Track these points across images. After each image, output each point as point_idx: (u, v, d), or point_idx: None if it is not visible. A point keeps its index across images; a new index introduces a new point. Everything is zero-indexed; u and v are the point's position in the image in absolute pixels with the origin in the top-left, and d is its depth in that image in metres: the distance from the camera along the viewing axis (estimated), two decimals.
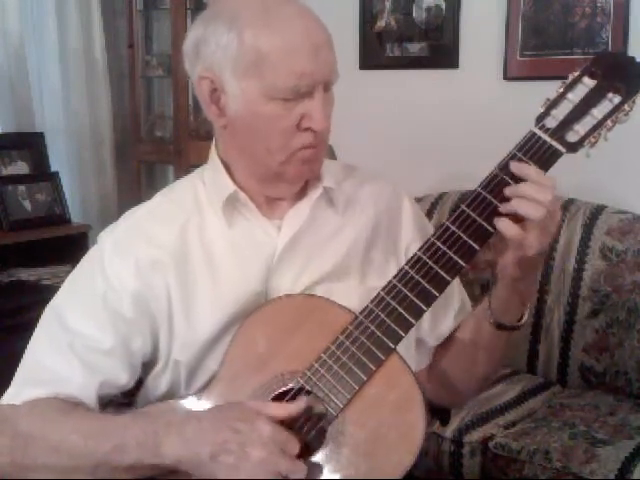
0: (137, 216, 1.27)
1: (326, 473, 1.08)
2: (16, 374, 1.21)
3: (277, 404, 1.09)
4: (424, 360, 1.33)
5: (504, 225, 1.05)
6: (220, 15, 1.14)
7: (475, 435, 2.10)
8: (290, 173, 1.20)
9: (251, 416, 1.06)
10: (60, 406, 1.16)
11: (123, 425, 1.12)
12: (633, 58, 1.08)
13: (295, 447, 1.05)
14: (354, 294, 1.21)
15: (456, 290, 1.33)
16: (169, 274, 1.20)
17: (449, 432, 2.10)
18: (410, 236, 1.30)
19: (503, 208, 1.06)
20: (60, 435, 1.13)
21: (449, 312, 1.31)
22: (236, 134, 1.19)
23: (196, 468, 1.06)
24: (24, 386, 1.19)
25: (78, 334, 1.19)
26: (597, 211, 2.45)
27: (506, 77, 2.77)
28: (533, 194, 1.03)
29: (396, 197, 1.34)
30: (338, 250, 1.25)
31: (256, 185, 1.22)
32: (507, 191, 1.06)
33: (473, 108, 2.82)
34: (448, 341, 1.32)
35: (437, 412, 1.46)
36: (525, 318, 1.20)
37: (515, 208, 1.04)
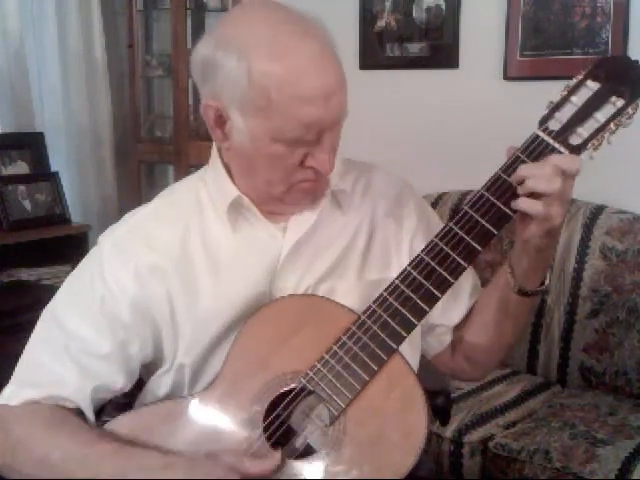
0: (137, 218, 1.27)
1: (328, 473, 1.08)
2: (13, 374, 1.22)
3: (252, 462, 1.07)
4: (444, 340, 1.34)
5: (528, 204, 1.05)
6: (231, 41, 1.10)
7: (475, 435, 2.10)
8: (290, 200, 1.20)
9: (225, 474, 1.05)
10: (51, 417, 1.16)
11: (101, 456, 1.11)
12: (637, 61, 1.08)
13: None
14: (355, 290, 1.22)
15: (468, 271, 1.32)
16: (170, 278, 1.20)
17: (449, 432, 2.11)
18: (414, 227, 1.30)
19: (521, 189, 1.06)
20: (44, 450, 1.13)
21: (463, 293, 1.32)
22: (238, 158, 1.19)
23: None
24: (20, 387, 1.20)
25: (75, 337, 1.19)
26: (597, 211, 2.45)
27: (506, 77, 2.77)
28: (544, 173, 1.04)
29: (396, 186, 1.34)
30: (339, 246, 1.25)
31: (257, 199, 1.22)
32: (517, 176, 1.06)
33: (473, 108, 2.82)
34: (471, 316, 1.32)
35: (437, 412, 1.46)
36: (548, 281, 1.21)
37: (534, 188, 1.04)
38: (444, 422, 1.51)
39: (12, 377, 1.22)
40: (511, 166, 1.08)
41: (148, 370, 1.26)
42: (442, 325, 1.32)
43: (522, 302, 1.21)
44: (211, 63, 1.11)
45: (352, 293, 1.21)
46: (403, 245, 1.29)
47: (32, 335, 1.23)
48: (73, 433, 1.15)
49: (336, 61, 1.12)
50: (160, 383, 1.24)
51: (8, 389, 1.20)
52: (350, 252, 1.25)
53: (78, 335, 1.19)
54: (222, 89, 1.11)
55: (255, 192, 1.20)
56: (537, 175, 1.04)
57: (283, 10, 1.13)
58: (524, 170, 1.06)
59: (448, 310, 1.31)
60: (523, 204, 1.06)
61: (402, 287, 1.10)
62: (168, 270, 1.20)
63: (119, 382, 1.21)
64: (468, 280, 1.32)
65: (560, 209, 1.05)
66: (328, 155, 1.13)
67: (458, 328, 1.33)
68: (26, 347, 1.23)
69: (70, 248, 3.23)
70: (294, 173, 1.15)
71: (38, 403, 1.18)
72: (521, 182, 1.06)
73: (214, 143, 1.26)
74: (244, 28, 1.11)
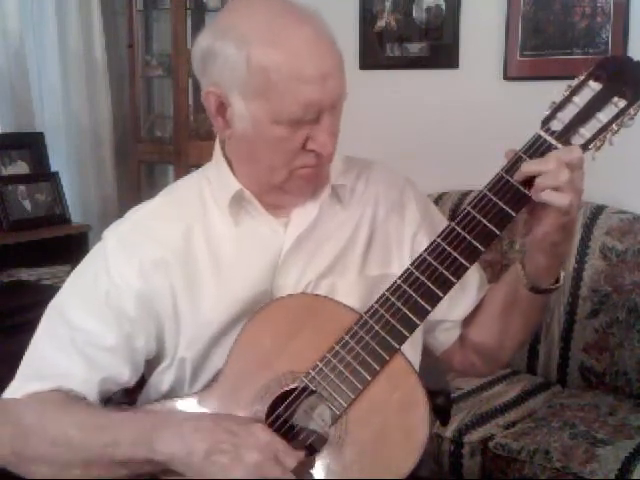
0: (141, 214, 1.27)
1: (329, 473, 1.08)
2: (19, 369, 1.22)
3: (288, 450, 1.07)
4: (452, 335, 1.35)
5: (554, 196, 1.04)
6: (230, 30, 1.12)
7: (475, 435, 2.10)
8: (291, 188, 1.21)
9: (249, 422, 1.07)
10: (61, 399, 1.17)
11: (120, 420, 1.13)
12: (639, 62, 1.08)
13: (291, 460, 1.05)
14: (356, 286, 1.23)
15: (474, 267, 1.32)
16: (173, 273, 1.21)
17: (449, 432, 2.11)
18: (416, 223, 1.31)
19: (533, 190, 1.05)
20: (59, 428, 1.14)
21: (470, 288, 1.32)
22: (240, 146, 1.20)
23: (188, 466, 1.06)
24: (26, 381, 1.20)
25: (80, 330, 1.20)
26: (597, 211, 2.46)
27: (506, 77, 2.78)
28: (549, 167, 1.04)
29: (398, 183, 1.35)
30: (340, 242, 1.26)
31: (259, 191, 1.23)
32: (520, 173, 1.06)
33: (473, 108, 2.82)
34: (480, 311, 1.33)
35: (437, 412, 1.46)
36: (562, 279, 1.21)
37: (543, 184, 1.04)
38: (444, 422, 1.51)
39: (17, 373, 1.22)
40: (513, 166, 1.08)
41: (150, 366, 1.27)
42: (449, 320, 1.33)
43: (534, 299, 1.22)
44: (211, 53, 1.14)
45: (353, 289, 1.22)
46: (404, 241, 1.30)
47: (37, 331, 1.24)
48: (87, 409, 1.17)
49: (333, 46, 1.14)
50: (162, 379, 1.25)
51: (14, 383, 1.21)
52: (351, 247, 1.26)
53: (84, 328, 1.20)
54: (222, 75, 1.13)
55: (257, 183, 1.21)
56: (543, 171, 1.04)
57: (280, 1, 1.16)
58: (527, 167, 1.06)
59: (455, 305, 1.31)
60: (548, 196, 1.04)
61: (404, 287, 1.10)
62: (172, 265, 1.21)
63: (125, 374, 1.22)
64: (475, 275, 1.33)
65: (575, 199, 1.05)
66: (329, 137, 1.14)
67: (466, 323, 1.34)
68: (31, 342, 1.23)
69: (70, 248, 3.23)
70: (296, 157, 1.16)
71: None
72: (525, 179, 1.07)
73: (216, 139, 1.27)
74: (242, 18, 1.14)
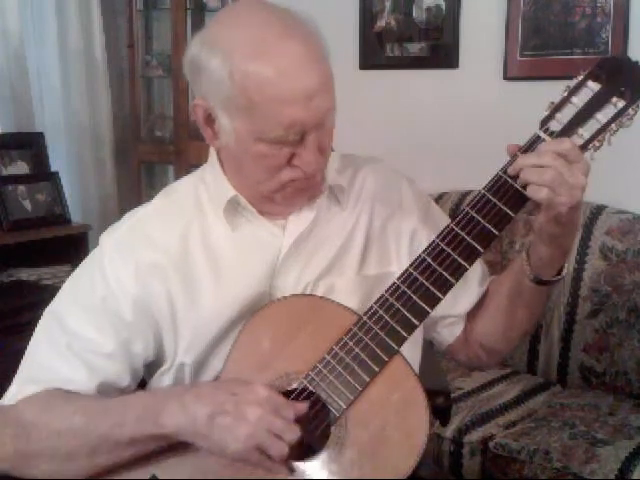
0: (138, 218, 1.27)
1: (329, 474, 1.08)
2: (17, 375, 1.22)
3: (286, 401, 1.10)
4: (456, 329, 1.35)
5: (532, 189, 1.05)
6: (216, 42, 1.10)
7: (475, 435, 2.10)
8: (281, 200, 1.20)
9: (249, 382, 1.09)
10: (61, 393, 1.17)
11: (123, 401, 1.15)
12: (637, 62, 1.08)
13: (290, 412, 1.06)
14: (355, 286, 1.22)
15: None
16: (170, 277, 1.20)
17: (449, 432, 2.11)
18: (415, 221, 1.30)
19: (518, 181, 1.06)
20: (62, 417, 1.14)
21: (472, 282, 1.32)
22: (228, 158, 1.20)
23: (194, 433, 1.07)
24: (24, 386, 1.20)
25: (78, 337, 1.20)
26: (597, 211, 2.45)
27: (506, 77, 2.78)
28: (534, 161, 1.04)
29: (394, 180, 1.34)
30: (338, 242, 1.25)
31: (252, 199, 1.22)
32: (515, 166, 1.07)
33: (473, 108, 2.82)
34: (484, 304, 1.33)
35: (437, 412, 1.46)
36: (565, 270, 1.21)
37: (525, 179, 1.05)
38: (444, 422, 1.51)
39: (15, 378, 1.22)
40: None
41: (150, 370, 1.26)
42: (452, 315, 1.33)
43: (537, 291, 1.22)
44: (198, 63, 1.12)
45: (352, 289, 1.22)
46: (403, 239, 1.29)
47: (33, 336, 1.23)
48: (88, 397, 1.17)
49: (321, 63, 1.11)
50: (162, 382, 1.24)
51: (12, 388, 1.21)
52: (349, 247, 1.26)
53: (81, 335, 1.19)
54: (208, 89, 1.12)
55: (248, 191, 1.21)
56: (529, 165, 1.04)
57: (270, 11, 1.13)
58: (520, 160, 1.06)
59: (457, 300, 1.31)
60: (528, 188, 1.05)
61: (403, 288, 1.10)
62: (169, 269, 1.20)
63: (125, 380, 1.22)
64: (477, 269, 1.32)
65: (563, 197, 1.04)
66: (314, 155, 1.12)
67: (471, 316, 1.34)
68: (28, 348, 1.23)
69: (70, 248, 3.24)
70: (282, 172, 1.14)
71: None
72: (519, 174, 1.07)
73: None
74: (229, 28, 1.11)
